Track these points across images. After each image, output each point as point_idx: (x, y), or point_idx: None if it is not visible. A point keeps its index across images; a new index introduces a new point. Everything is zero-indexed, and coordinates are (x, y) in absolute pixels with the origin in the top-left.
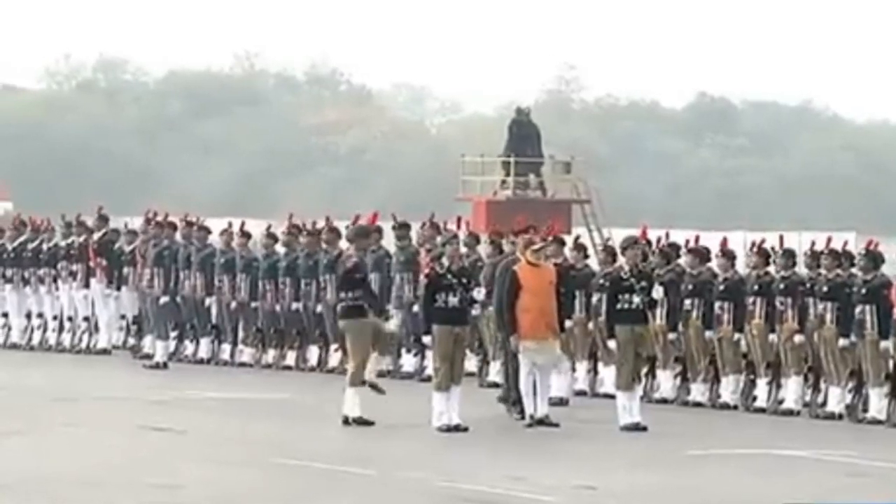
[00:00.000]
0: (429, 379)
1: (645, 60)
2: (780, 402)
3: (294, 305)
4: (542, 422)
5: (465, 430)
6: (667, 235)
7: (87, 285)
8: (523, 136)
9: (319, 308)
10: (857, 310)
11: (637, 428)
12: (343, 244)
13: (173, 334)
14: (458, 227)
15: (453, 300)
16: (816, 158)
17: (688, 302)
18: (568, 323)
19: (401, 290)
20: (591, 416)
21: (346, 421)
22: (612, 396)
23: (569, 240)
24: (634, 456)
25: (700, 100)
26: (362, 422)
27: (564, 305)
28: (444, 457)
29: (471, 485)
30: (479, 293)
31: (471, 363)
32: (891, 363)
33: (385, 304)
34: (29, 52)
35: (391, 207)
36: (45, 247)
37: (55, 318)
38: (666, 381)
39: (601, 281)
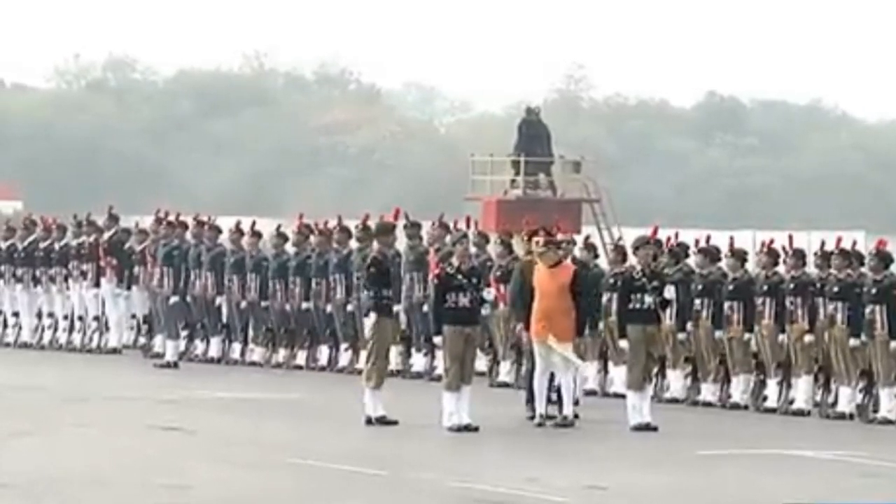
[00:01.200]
0: (439, 379)
1: (654, 59)
2: (791, 402)
3: (304, 305)
4: (553, 417)
5: (476, 429)
6: (676, 235)
7: (97, 285)
8: (533, 135)
9: (330, 308)
10: (868, 310)
11: (648, 428)
12: (353, 244)
13: (184, 334)
14: (468, 226)
15: (463, 300)
16: (826, 158)
17: (698, 302)
18: None
19: (410, 289)
20: (602, 415)
21: (369, 421)
22: (623, 396)
23: (579, 239)
24: (645, 456)
25: (709, 99)
26: (386, 421)
27: (581, 306)
28: (455, 457)
29: (482, 485)
30: (488, 293)
31: (481, 363)
32: None
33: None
34: (38, 52)
35: (401, 207)
36: (55, 246)
37: (66, 317)
38: (676, 381)
39: (612, 280)
